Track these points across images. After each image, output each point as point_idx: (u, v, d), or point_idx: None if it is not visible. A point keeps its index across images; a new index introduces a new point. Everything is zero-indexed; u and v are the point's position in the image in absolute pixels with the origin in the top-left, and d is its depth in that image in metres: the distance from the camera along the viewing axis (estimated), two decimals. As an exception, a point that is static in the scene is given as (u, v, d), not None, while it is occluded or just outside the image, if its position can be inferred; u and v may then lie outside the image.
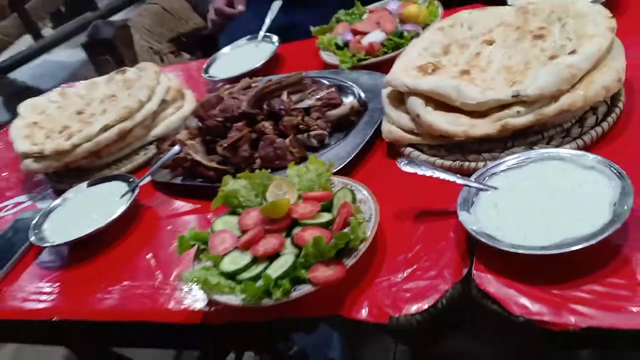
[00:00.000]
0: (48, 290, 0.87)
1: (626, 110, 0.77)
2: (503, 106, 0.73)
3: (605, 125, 0.74)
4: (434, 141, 0.80)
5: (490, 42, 0.88)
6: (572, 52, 0.74)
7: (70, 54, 3.49)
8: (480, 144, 0.76)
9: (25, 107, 1.28)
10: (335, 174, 0.80)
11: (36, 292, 0.87)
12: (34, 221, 0.96)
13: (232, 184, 0.79)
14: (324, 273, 0.64)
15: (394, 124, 0.84)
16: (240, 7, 1.61)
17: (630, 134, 0.74)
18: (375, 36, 1.09)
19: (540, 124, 0.74)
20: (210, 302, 0.72)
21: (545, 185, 0.65)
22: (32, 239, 0.92)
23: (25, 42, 3.68)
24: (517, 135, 0.75)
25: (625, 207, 0.57)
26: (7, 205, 1.17)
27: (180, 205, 0.95)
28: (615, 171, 0.62)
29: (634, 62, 0.79)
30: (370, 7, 1.23)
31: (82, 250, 0.91)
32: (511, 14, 0.91)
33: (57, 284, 0.87)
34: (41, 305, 0.84)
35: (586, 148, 0.73)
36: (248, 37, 1.37)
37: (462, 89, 0.75)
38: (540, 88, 0.71)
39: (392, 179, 0.81)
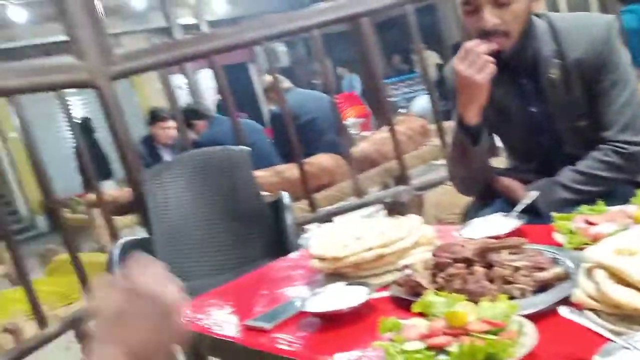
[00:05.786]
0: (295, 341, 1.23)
1: None
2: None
3: None
4: (609, 309, 0.91)
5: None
6: None
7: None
8: (649, 321, 0.85)
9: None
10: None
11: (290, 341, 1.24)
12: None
13: (434, 298, 1.05)
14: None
15: (582, 290, 0.98)
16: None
17: None
18: (604, 227, 1.24)
19: None
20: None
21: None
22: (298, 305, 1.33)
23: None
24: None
25: None
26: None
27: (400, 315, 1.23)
28: None
29: None
30: (612, 208, 1.37)
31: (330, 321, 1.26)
32: None
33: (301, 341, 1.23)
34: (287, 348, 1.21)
35: None
36: (503, 213, 1.63)
37: (641, 271, 0.88)
38: None
39: (562, 330, 0.95)
